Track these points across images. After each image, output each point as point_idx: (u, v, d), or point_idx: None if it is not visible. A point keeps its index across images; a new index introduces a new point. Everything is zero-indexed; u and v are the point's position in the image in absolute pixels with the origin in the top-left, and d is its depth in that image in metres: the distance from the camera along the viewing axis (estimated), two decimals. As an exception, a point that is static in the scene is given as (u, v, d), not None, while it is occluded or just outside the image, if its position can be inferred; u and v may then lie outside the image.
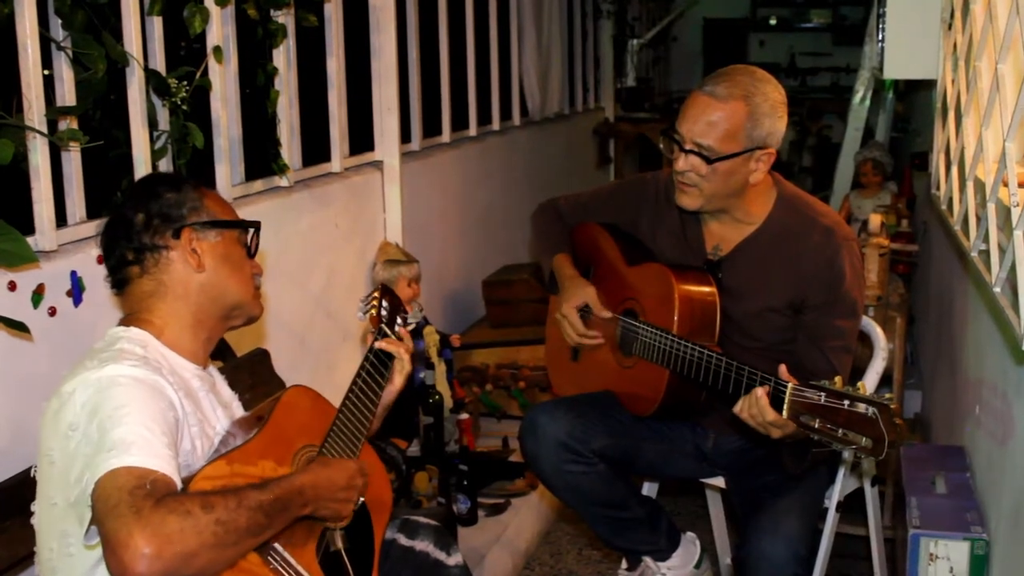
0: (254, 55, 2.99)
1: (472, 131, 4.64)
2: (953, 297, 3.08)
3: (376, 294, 2.12)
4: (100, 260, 2.40)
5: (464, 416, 3.68)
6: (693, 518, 3.39)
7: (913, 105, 5.66)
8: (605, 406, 2.52)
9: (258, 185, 3.06)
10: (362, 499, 1.83)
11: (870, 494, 2.75)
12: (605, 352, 2.60)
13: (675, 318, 2.37)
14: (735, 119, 2.26)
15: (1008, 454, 2.36)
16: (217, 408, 1.84)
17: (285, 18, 3.06)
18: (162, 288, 1.80)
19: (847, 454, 2.40)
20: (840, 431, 1.92)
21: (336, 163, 3.46)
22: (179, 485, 1.55)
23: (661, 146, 2.41)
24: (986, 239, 2.41)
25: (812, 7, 8.40)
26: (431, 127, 4.28)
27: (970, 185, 2.66)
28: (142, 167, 2.57)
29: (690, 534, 2.72)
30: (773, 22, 8.53)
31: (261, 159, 3.10)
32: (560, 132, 5.82)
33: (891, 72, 3.78)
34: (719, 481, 2.65)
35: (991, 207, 2.35)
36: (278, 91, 3.03)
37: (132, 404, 1.58)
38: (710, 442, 2.57)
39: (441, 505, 3.22)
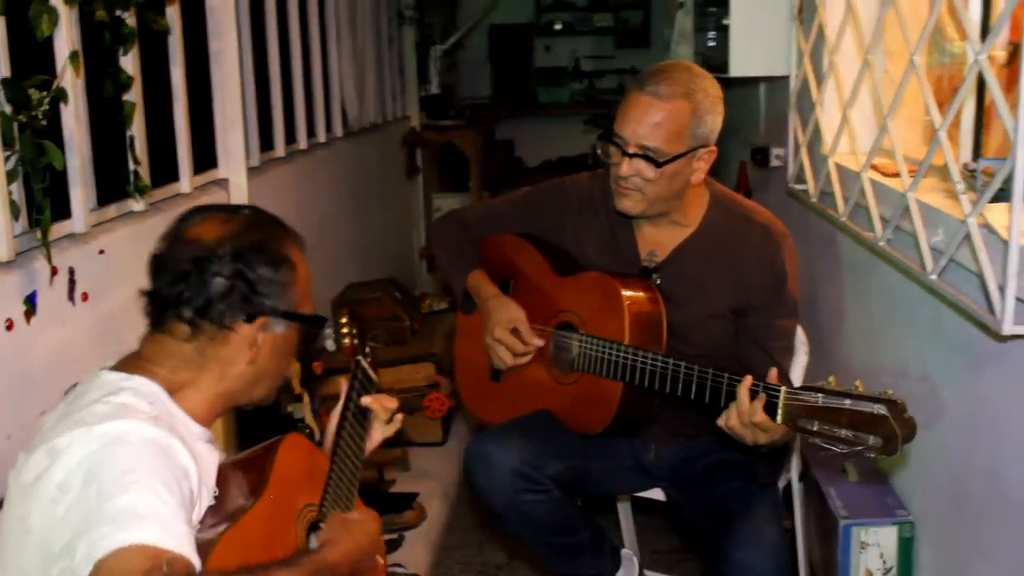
0: (101, 63, 2.63)
1: (302, 144, 4.36)
2: (843, 290, 3.13)
3: (345, 320, 1.91)
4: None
5: (337, 449, 3.41)
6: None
7: (730, 102, 5.81)
8: (550, 427, 2.37)
9: (112, 211, 2.70)
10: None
11: (797, 488, 2.74)
12: (536, 370, 2.45)
13: (625, 327, 2.25)
14: (680, 118, 2.17)
15: (937, 438, 2.40)
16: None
17: (130, 21, 2.71)
18: (201, 361, 1.54)
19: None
20: (843, 432, 1.85)
21: (186, 183, 3.12)
22: (198, 566, 1.29)
23: (598, 151, 2.29)
24: (894, 229, 2.45)
25: (594, 11, 8.53)
26: (264, 141, 3.96)
27: (865, 176, 2.71)
28: (-5, 193, 2.18)
29: (626, 551, 2.61)
30: (558, 27, 8.58)
31: (112, 180, 2.73)
32: (376, 142, 5.60)
33: (738, 70, 3.81)
34: (656, 493, 2.57)
35: (911, 196, 2.38)
36: (133, 103, 2.68)
37: (142, 470, 1.32)
38: (651, 454, 2.48)
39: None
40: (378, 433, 1.95)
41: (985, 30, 2.69)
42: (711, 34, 4.32)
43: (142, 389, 1.49)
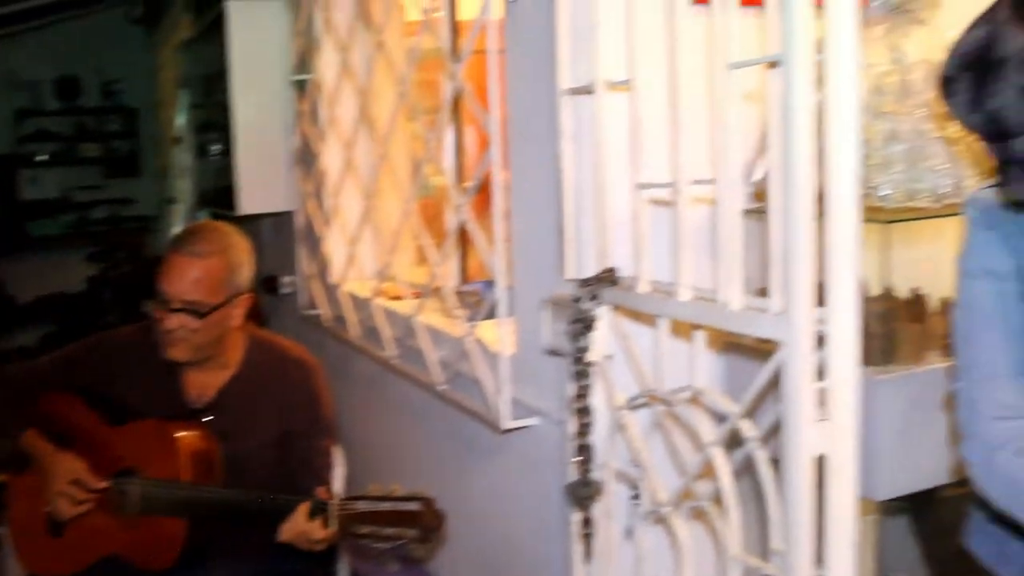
0: None
1: None
2: (365, 404, 3.52)
3: None
4: None
5: None
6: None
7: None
8: (120, 571, 2.47)
9: None
10: None
11: (350, 586, 3.06)
12: (100, 518, 2.53)
13: (182, 467, 2.43)
14: (217, 272, 2.44)
15: (461, 520, 2.83)
16: None
17: None
18: None
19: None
20: (387, 530, 2.19)
21: None
22: None
23: (146, 310, 2.47)
24: (405, 348, 2.90)
25: (81, 141, 8.38)
26: None
27: (375, 304, 3.14)
28: None
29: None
30: (43, 157, 8.30)
31: None
32: None
33: (246, 209, 4.11)
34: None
35: (416, 320, 2.84)
36: None
37: None
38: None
39: None
40: None
41: (459, 165, 3.30)
42: (213, 168, 4.58)
43: None
